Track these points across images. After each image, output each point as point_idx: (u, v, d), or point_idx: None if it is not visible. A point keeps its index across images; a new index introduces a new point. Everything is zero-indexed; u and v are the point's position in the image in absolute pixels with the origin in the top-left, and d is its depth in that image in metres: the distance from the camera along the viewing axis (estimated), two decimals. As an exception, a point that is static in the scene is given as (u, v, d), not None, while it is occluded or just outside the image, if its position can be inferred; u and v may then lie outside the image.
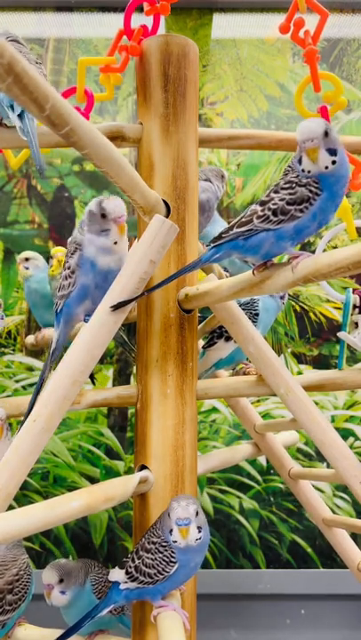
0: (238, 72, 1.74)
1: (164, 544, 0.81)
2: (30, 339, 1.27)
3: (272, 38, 1.74)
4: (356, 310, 1.04)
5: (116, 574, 0.86)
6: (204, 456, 1.11)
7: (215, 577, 1.59)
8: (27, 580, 0.95)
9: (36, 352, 1.66)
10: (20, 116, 0.80)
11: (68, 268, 0.87)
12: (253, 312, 1.08)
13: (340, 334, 1.00)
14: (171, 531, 0.80)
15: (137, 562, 0.84)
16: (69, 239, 0.90)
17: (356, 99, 1.73)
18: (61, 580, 0.92)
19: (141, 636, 0.92)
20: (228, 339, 1.09)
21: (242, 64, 1.74)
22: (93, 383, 1.26)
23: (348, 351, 1.64)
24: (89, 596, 0.94)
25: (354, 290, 1.05)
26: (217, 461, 1.12)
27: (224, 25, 1.74)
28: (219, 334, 1.11)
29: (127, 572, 0.84)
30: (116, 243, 0.84)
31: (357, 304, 1.04)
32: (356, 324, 1.03)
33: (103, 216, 0.83)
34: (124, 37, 1.00)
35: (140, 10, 0.98)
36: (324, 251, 0.89)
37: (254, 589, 1.60)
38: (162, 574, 0.81)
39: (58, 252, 1.17)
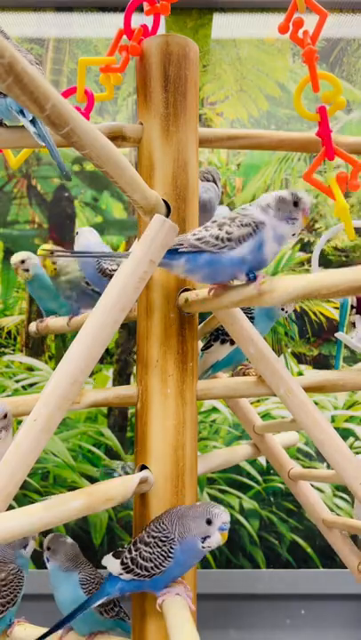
0: (238, 72, 1.74)
1: (163, 539, 0.82)
2: (32, 327, 1.28)
3: (272, 38, 1.74)
4: (354, 311, 1.04)
5: (111, 563, 0.86)
6: (204, 456, 1.11)
7: (215, 577, 1.59)
8: (16, 584, 0.95)
9: (36, 352, 1.66)
10: (33, 121, 0.78)
11: (228, 234, 0.84)
12: (249, 316, 1.07)
13: (338, 335, 1.01)
14: (205, 538, 0.80)
15: (134, 553, 0.84)
16: (240, 211, 0.87)
17: (357, 99, 1.73)
18: (48, 548, 0.97)
19: (142, 626, 0.92)
20: (224, 341, 1.09)
21: (242, 64, 1.74)
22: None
23: (348, 351, 1.64)
24: (74, 589, 0.95)
25: (353, 290, 1.05)
26: (217, 461, 1.12)
27: (224, 25, 1.74)
28: (215, 337, 1.11)
29: (122, 563, 0.85)
30: (293, 234, 0.86)
31: (355, 305, 1.04)
32: (354, 324, 1.04)
33: (295, 204, 0.83)
34: (124, 37, 0.99)
35: (140, 10, 0.98)
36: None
37: (254, 589, 1.60)
38: (158, 569, 0.82)
39: None
